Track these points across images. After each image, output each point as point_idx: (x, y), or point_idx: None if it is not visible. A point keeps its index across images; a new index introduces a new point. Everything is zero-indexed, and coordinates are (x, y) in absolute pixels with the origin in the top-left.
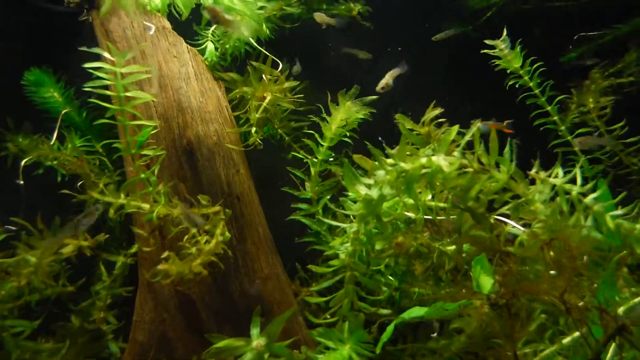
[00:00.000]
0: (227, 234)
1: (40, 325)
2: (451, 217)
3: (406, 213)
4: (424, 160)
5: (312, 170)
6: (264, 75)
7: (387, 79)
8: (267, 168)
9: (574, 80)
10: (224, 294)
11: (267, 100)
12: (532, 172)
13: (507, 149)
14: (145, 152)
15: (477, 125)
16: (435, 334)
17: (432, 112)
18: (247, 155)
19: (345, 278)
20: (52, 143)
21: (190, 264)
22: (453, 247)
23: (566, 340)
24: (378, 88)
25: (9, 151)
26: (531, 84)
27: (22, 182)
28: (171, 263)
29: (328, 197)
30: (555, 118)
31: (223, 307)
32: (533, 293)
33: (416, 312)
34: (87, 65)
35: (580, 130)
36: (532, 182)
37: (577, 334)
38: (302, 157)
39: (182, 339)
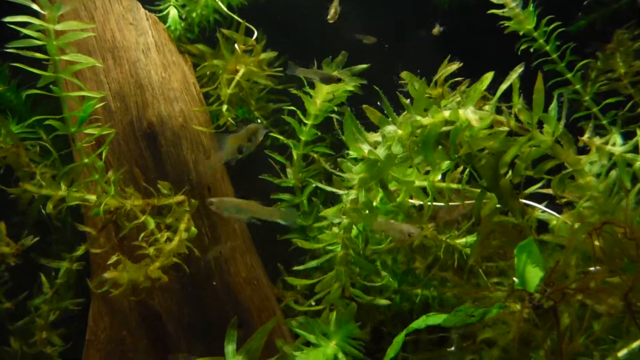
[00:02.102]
0: (194, 229)
1: None
2: (467, 202)
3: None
4: (447, 113)
5: (295, 153)
6: (236, 45)
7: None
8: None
9: (592, 45)
10: (194, 303)
11: (240, 74)
12: (585, 137)
13: (553, 104)
14: (88, 130)
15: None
16: (453, 348)
17: (448, 68)
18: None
19: (337, 258)
20: None
21: (145, 268)
22: (463, 240)
23: (622, 353)
24: None
25: None
26: (547, 48)
27: None
28: (122, 269)
29: (314, 185)
30: (578, 87)
31: (193, 319)
32: (589, 293)
33: (432, 319)
34: (7, 19)
35: (609, 100)
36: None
37: (635, 344)
38: (282, 140)
39: None
